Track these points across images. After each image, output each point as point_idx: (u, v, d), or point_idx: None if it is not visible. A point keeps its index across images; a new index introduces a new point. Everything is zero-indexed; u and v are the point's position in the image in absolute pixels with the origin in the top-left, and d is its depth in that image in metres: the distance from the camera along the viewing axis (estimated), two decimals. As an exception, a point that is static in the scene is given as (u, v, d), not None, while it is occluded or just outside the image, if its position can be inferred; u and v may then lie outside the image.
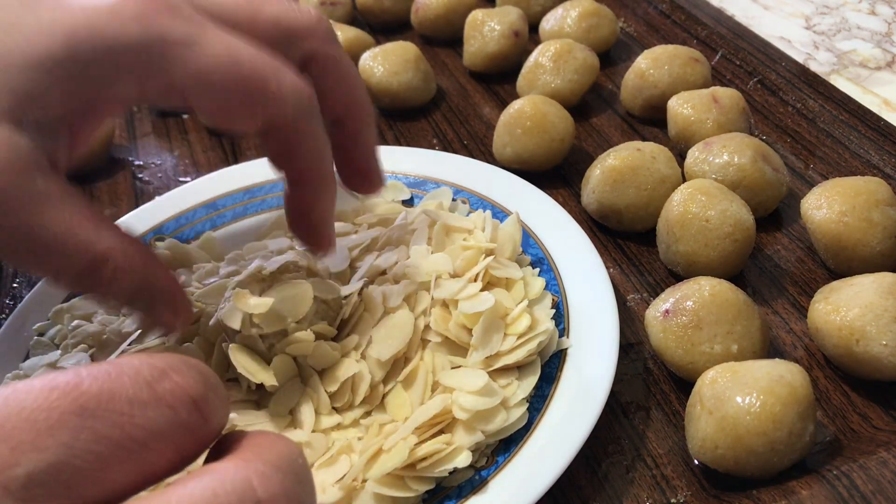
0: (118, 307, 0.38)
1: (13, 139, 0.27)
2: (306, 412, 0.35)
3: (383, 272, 0.40)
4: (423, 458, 0.33)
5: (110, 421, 0.16)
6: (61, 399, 0.16)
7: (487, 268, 0.39)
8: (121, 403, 0.17)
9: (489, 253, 0.40)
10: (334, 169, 0.36)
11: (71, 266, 0.28)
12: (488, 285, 0.39)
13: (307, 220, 0.36)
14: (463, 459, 0.33)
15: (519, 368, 0.37)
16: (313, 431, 0.35)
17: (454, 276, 0.39)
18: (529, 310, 0.38)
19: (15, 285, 0.50)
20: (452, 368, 0.36)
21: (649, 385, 0.39)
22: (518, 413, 0.35)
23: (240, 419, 0.35)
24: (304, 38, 0.32)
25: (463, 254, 0.39)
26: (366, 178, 0.38)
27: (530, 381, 0.36)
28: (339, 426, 0.35)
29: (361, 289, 0.39)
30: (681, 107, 0.52)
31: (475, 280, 0.38)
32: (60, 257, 0.28)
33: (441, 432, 0.34)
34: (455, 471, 0.33)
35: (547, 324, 0.37)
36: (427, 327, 0.37)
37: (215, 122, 0.31)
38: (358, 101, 0.36)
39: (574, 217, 0.44)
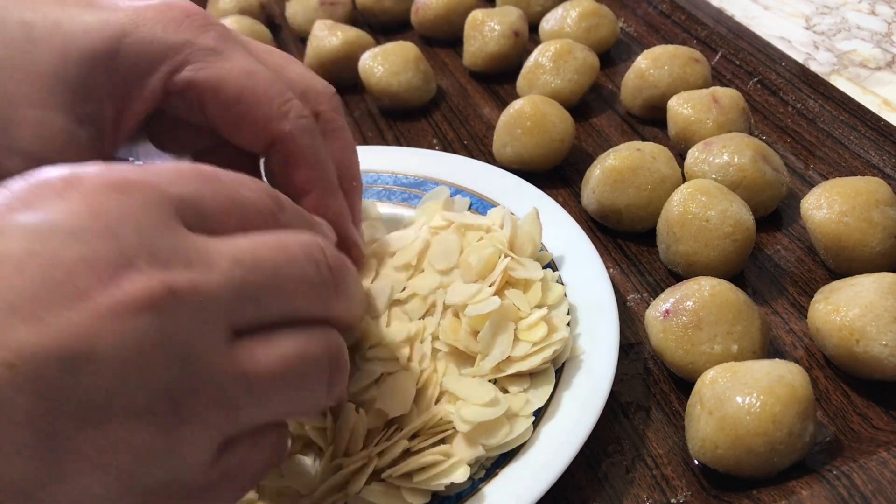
0: None
1: (74, 132, 0.31)
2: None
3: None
4: (421, 470, 0.32)
5: (222, 185, 0.26)
6: (190, 168, 0.26)
7: (506, 268, 0.37)
8: (228, 178, 0.26)
9: (510, 250, 0.38)
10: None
11: None
12: (506, 285, 0.37)
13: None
14: (461, 475, 0.32)
15: (531, 376, 0.36)
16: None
17: (471, 279, 0.37)
18: (547, 316, 0.37)
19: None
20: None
21: (649, 385, 0.39)
22: (522, 427, 0.33)
23: None
24: (317, 98, 0.35)
25: (481, 255, 0.38)
26: (343, 246, 0.36)
27: (544, 391, 0.35)
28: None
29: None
30: (681, 107, 0.52)
31: (490, 285, 0.37)
32: None
33: (441, 442, 0.33)
34: (452, 485, 0.32)
35: (563, 332, 0.36)
36: (436, 337, 0.36)
37: (225, 131, 0.33)
38: (351, 168, 0.37)
39: (574, 217, 0.44)
